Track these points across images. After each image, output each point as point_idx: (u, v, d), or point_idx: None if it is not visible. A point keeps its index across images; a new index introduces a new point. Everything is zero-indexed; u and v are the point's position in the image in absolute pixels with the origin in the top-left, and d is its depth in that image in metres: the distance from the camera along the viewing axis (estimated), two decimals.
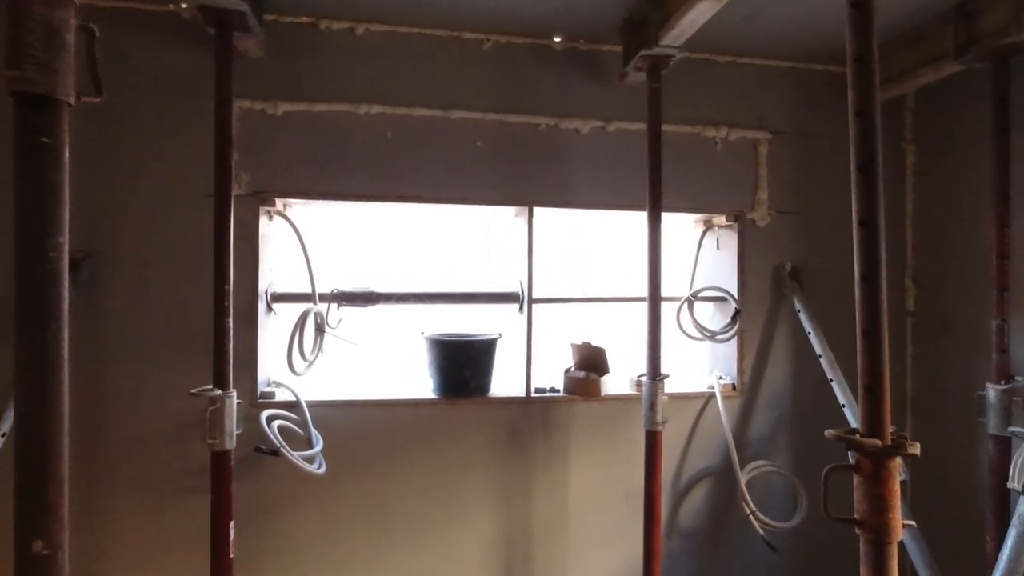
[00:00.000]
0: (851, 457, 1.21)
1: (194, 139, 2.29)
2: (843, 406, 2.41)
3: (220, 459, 1.89)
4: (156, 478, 2.29)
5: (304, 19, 2.41)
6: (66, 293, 1.00)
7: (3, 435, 1.87)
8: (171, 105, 2.30)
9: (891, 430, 1.19)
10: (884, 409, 1.16)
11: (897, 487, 1.15)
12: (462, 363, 2.53)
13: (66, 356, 1.00)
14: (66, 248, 1.00)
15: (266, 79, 2.38)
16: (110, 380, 2.27)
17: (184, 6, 2.23)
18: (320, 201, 2.49)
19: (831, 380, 2.48)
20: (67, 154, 1.00)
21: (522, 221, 2.65)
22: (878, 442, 1.13)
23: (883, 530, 1.14)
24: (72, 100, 1.00)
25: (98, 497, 2.26)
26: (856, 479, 1.18)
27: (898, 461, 1.14)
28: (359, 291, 2.54)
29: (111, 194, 2.28)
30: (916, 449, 1.13)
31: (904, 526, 1.16)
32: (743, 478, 2.57)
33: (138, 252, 2.29)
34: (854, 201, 1.21)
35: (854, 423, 2.29)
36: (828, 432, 1.20)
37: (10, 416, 1.90)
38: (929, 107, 2.80)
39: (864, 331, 1.18)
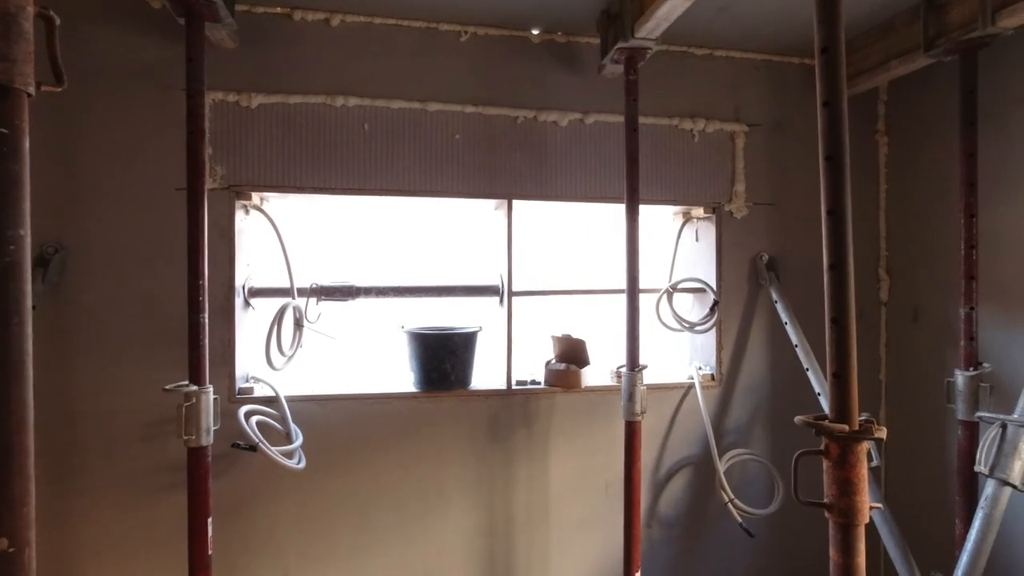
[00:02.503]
0: (822, 442, 1.23)
1: (166, 132, 2.25)
2: (819, 394, 2.45)
3: (197, 455, 1.87)
4: (131, 475, 2.26)
5: (278, 9, 2.38)
6: (28, 287, 0.98)
7: None
8: (142, 97, 2.26)
9: (861, 416, 1.21)
10: (851, 395, 1.19)
11: (864, 471, 1.18)
12: (442, 356, 2.52)
13: (30, 351, 0.98)
14: (27, 241, 0.98)
15: (240, 71, 2.34)
16: (82, 376, 2.23)
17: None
18: (296, 194, 2.46)
19: (807, 369, 2.53)
20: (27, 144, 0.97)
21: (501, 214, 2.65)
22: (845, 427, 1.15)
23: (850, 512, 1.16)
24: (31, 90, 0.97)
25: (71, 495, 2.23)
26: (825, 463, 1.20)
27: (865, 445, 1.17)
28: (338, 285, 2.53)
29: (81, 188, 2.23)
30: (882, 433, 1.16)
31: (871, 508, 1.19)
32: (721, 466, 2.61)
33: (110, 247, 2.25)
34: (823, 191, 1.23)
35: (827, 410, 2.34)
36: (798, 418, 1.23)
37: None
38: (901, 99, 2.85)
39: (832, 319, 1.21)
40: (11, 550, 0.94)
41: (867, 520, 1.19)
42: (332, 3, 2.37)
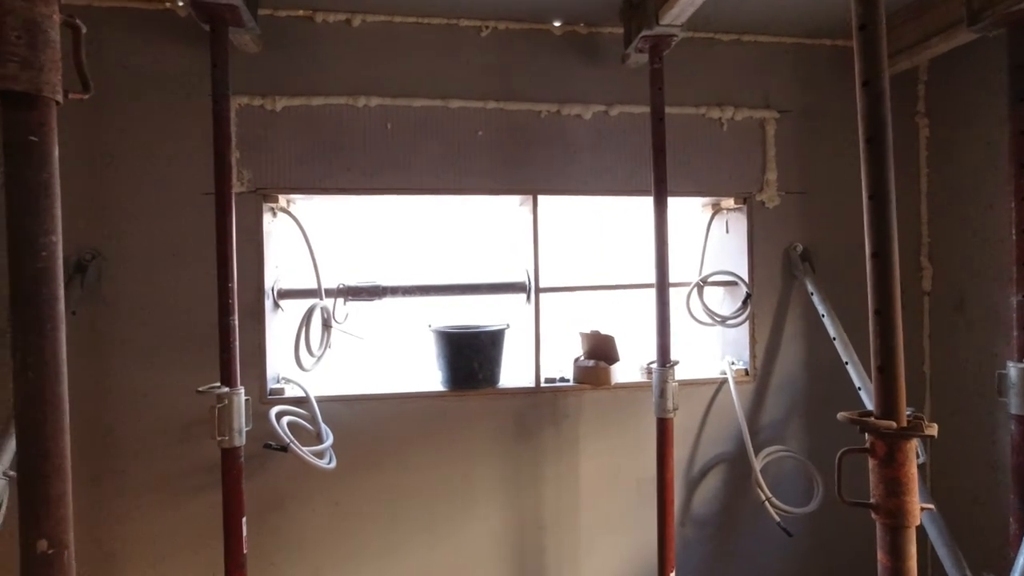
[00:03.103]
0: (867, 439, 1.17)
1: (193, 137, 2.29)
2: (859, 389, 2.36)
3: (230, 456, 1.90)
4: (166, 476, 2.31)
5: (300, 12, 2.39)
6: (61, 292, 0.99)
7: None
8: (169, 104, 2.30)
9: (907, 412, 1.15)
10: (898, 390, 1.13)
11: (914, 469, 1.12)
12: (470, 355, 2.51)
13: (64, 355, 1.00)
14: (59, 247, 0.99)
15: (264, 74, 2.36)
16: (118, 380, 2.28)
17: (180, 4, 2.22)
18: (322, 196, 2.48)
19: (846, 363, 2.43)
20: (56, 152, 0.98)
21: (527, 210, 2.62)
22: (893, 424, 1.09)
23: (899, 513, 1.10)
24: (59, 97, 0.98)
25: (108, 497, 2.28)
26: (871, 462, 1.14)
27: (914, 443, 1.11)
28: (365, 285, 2.53)
29: (116, 194, 2.29)
30: (933, 430, 1.10)
31: (922, 509, 1.12)
32: (757, 464, 2.54)
33: (142, 252, 2.29)
34: (863, 175, 1.17)
35: (870, 406, 2.25)
36: (841, 415, 1.17)
37: None
38: (942, 78, 2.72)
39: (876, 310, 1.14)
40: (50, 551, 0.95)
41: (918, 522, 1.12)
42: (353, 4, 2.38)
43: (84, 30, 1.07)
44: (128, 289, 2.28)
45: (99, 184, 2.27)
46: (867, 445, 1.15)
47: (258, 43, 2.25)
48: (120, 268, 2.28)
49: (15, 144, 0.95)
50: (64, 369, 1.00)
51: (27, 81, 0.92)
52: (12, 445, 1.87)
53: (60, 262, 1.00)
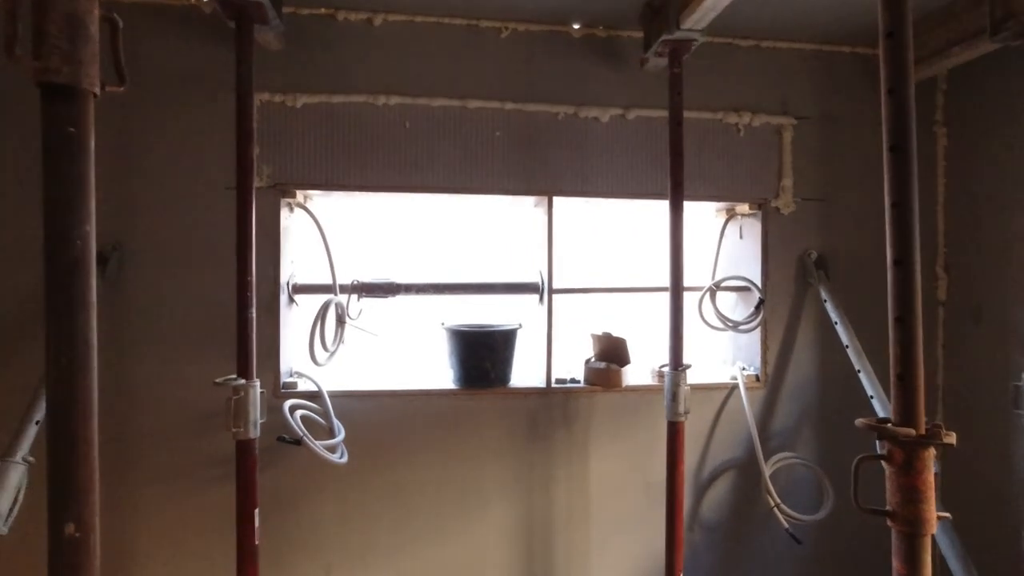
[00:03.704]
0: (877, 447, 1.18)
1: (216, 132, 2.31)
2: (871, 397, 2.35)
3: (244, 447, 1.92)
4: (182, 466, 2.33)
5: (322, 10, 2.41)
6: (94, 281, 1.01)
7: (37, 422, 1.92)
8: (193, 99, 2.33)
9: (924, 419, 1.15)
10: (918, 398, 1.13)
11: (931, 477, 1.12)
12: (482, 354, 2.52)
13: (95, 343, 1.02)
14: (93, 236, 1.01)
15: (285, 72, 2.39)
16: (137, 370, 2.31)
17: (205, 0, 2.25)
18: (339, 192, 2.50)
19: (859, 371, 2.43)
20: (93, 143, 1.01)
21: (542, 211, 2.63)
22: (912, 431, 1.09)
23: (916, 522, 1.10)
24: (97, 90, 1.01)
25: (126, 485, 2.31)
26: (888, 470, 1.14)
27: (932, 451, 1.11)
28: (379, 282, 2.55)
29: (136, 188, 2.32)
30: (952, 439, 1.10)
31: (939, 518, 1.12)
32: (767, 470, 2.53)
33: (163, 245, 2.32)
34: (887, 183, 1.17)
35: (882, 415, 2.24)
36: (859, 421, 1.17)
37: (43, 405, 1.94)
38: (961, 88, 2.70)
39: (897, 318, 1.15)
40: (78, 535, 0.97)
41: (934, 530, 1.12)
42: (374, 3, 2.40)
43: (121, 24, 1.09)
44: (148, 281, 2.31)
45: (122, 177, 2.31)
46: (884, 452, 1.16)
47: (280, 41, 2.27)
48: (141, 260, 2.31)
49: (54, 135, 0.97)
50: (95, 356, 1.02)
51: (68, 74, 0.95)
52: (31, 432, 1.90)
53: (93, 252, 1.02)
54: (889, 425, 1.14)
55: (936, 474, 2.16)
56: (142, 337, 2.32)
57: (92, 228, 1.01)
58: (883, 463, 1.16)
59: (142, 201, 2.32)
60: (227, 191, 2.17)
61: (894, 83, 1.16)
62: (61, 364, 0.97)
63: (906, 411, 1.13)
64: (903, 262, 1.14)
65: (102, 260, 2.24)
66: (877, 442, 1.18)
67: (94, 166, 1.02)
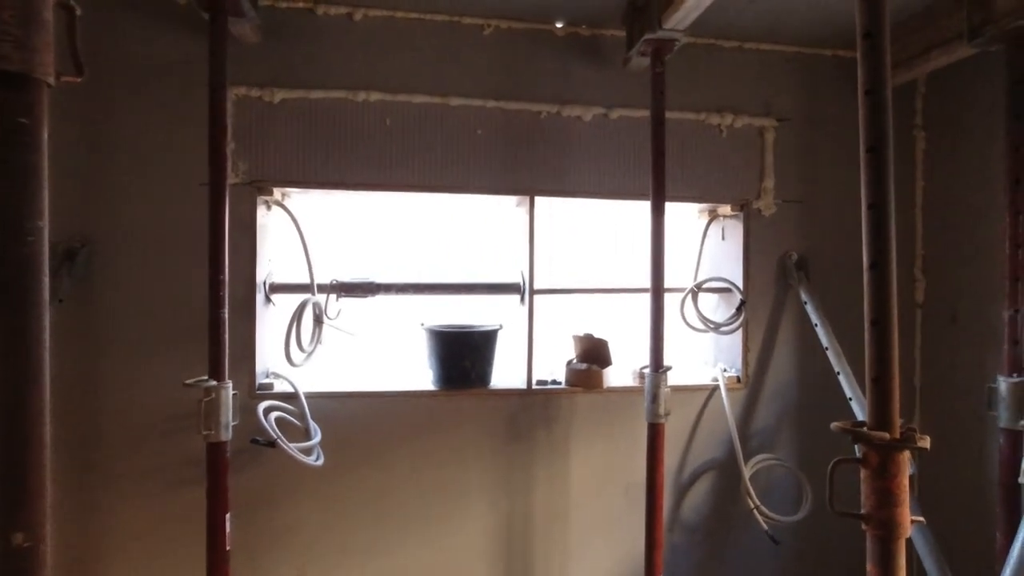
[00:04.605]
0: (858, 450, 1.17)
1: (190, 127, 2.25)
2: (850, 399, 2.36)
3: (215, 450, 1.87)
4: (154, 469, 2.27)
5: (301, 4, 2.37)
6: (46, 280, 0.97)
7: None
8: (168, 93, 2.27)
9: (900, 423, 1.15)
10: (892, 401, 1.12)
11: (906, 481, 1.11)
12: (462, 354, 2.50)
13: (47, 343, 0.97)
14: (46, 232, 0.97)
15: (263, 66, 2.34)
16: (108, 370, 2.25)
17: None
18: (318, 190, 2.46)
19: (838, 373, 2.44)
20: (45, 135, 0.96)
21: (523, 210, 2.60)
22: (886, 435, 1.09)
23: (890, 525, 1.10)
24: (51, 79, 0.96)
25: (95, 488, 2.25)
26: (863, 473, 1.14)
27: (907, 455, 1.10)
28: (358, 282, 2.51)
29: (108, 183, 2.25)
30: (926, 443, 1.09)
31: (913, 522, 1.12)
32: (747, 471, 2.53)
33: (135, 242, 2.26)
34: (863, 184, 1.17)
35: (861, 417, 2.25)
36: (834, 425, 1.16)
37: None
38: (940, 92, 2.73)
39: (872, 321, 1.14)
40: (26, 544, 0.93)
41: (908, 534, 1.12)
42: None
43: (79, 12, 1.04)
44: (119, 279, 2.25)
45: (94, 172, 2.24)
46: (859, 456, 1.15)
47: (257, 33, 2.23)
48: (112, 257, 2.25)
49: (4, 126, 0.92)
50: (46, 357, 0.97)
51: (20, 61, 0.90)
52: None
53: (46, 248, 0.97)
54: (864, 429, 1.13)
55: (912, 475, 2.16)
56: (113, 336, 2.25)
57: (45, 224, 0.97)
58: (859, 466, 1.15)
59: (114, 196, 2.26)
60: (202, 187, 2.10)
61: (872, 84, 1.15)
62: (9, 364, 0.92)
63: (881, 414, 1.13)
64: (879, 265, 1.14)
65: (70, 256, 2.18)
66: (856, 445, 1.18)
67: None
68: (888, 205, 1.14)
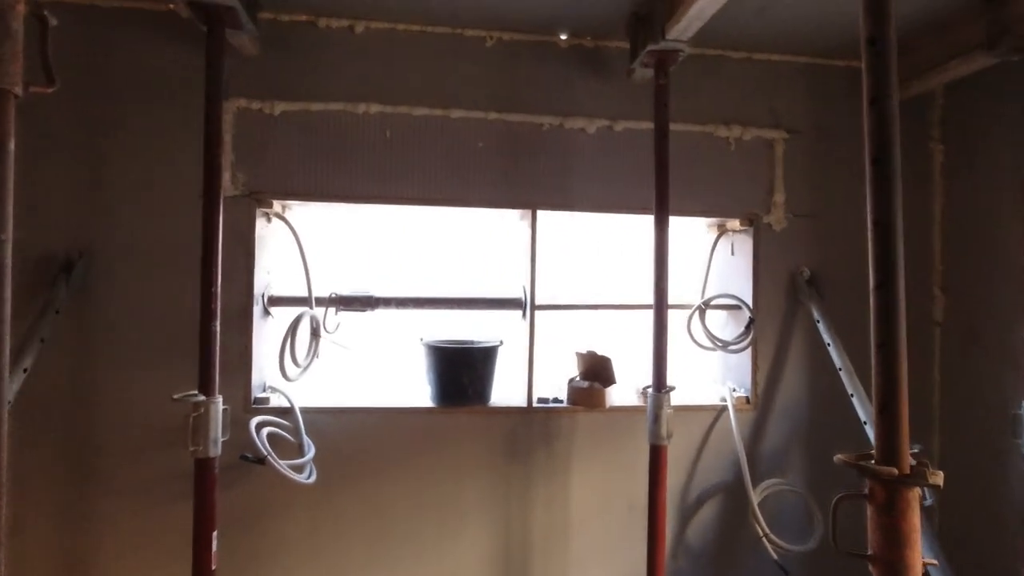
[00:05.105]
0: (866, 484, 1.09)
1: (191, 139, 2.22)
2: (864, 423, 2.26)
3: (204, 467, 1.83)
4: (150, 481, 2.24)
5: (303, 17, 2.36)
6: (8, 293, 0.94)
7: None
8: (169, 105, 2.27)
9: (913, 449, 1.07)
10: (901, 432, 1.04)
11: (916, 519, 1.03)
12: (461, 370, 2.44)
13: (7, 355, 0.94)
14: (9, 245, 0.94)
15: (263, 78, 2.33)
16: (105, 381, 2.23)
17: (175, 6, 2.20)
18: (317, 203, 2.44)
19: (851, 395, 2.33)
20: (12, 146, 0.94)
21: (525, 224, 2.56)
22: (894, 470, 1.01)
23: (899, 569, 1.01)
24: (18, 90, 0.94)
25: (93, 498, 2.23)
26: (869, 509, 1.06)
27: (917, 491, 1.02)
28: (357, 295, 2.48)
29: (108, 194, 2.25)
30: (938, 479, 1.01)
31: (925, 565, 1.03)
32: (756, 497, 2.43)
33: (134, 253, 2.25)
34: (868, 199, 1.10)
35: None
36: (838, 457, 1.08)
37: None
38: (958, 104, 2.64)
39: (879, 344, 1.06)
40: None
41: None
42: (357, 10, 2.35)
43: (53, 23, 1.03)
44: (117, 290, 2.24)
45: (94, 183, 2.24)
46: (865, 491, 1.07)
47: (256, 45, 2.22)
48: (111, 268, 2.24)
49: None
50: (7, 368, 0.94)
51: None
52: None
53: (9, 262, 0.95)
54: (871, 462, 1.05)
55: (930, 506, 2.04)
56: (110, 347, 2.24)
57: (8, 237, 0.94)
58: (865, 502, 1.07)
59: (114, 208, 2.26)
60: (201, 199, 2.09)
61: (877, 92, 1.09)
62: None
63: (889, 447, 1.05)
64: (885, 284, 1.06)
65: (68, 267, 2.17)
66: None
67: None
68: (895, 221, 1.07)
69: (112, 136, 2.25)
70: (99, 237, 2.24)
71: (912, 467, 1.03)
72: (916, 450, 1.10)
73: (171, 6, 2.21)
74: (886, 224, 1.06)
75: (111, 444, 2.24)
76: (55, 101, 2.22)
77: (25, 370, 1.97)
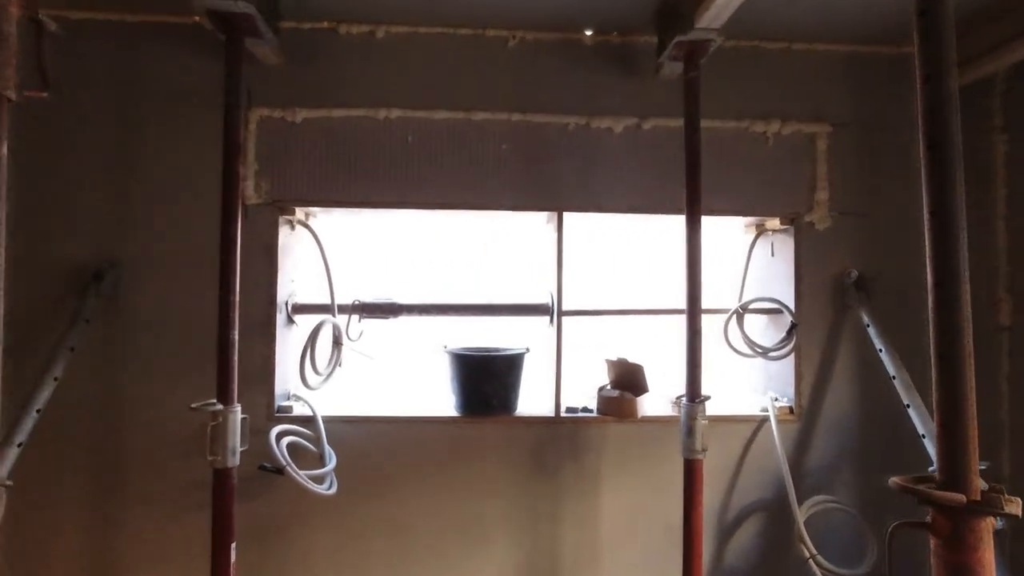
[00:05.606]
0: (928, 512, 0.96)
1: (216, 149, 2.24)
2: (923, 436, 2.07)
3: (222, 477, 1.81)
4: (171, 491, 2.25)
5: (324, 24, 2.35)
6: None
7: (20, 445, 1.87)
8: (194, 116, 2.29)
9: (980, 467, 0.93)
10: (968, 452, 0.91)
11: (990, 555, 0.89)
12: (485, 379, 2.37)
13: None
14: (1, 249, 0.92)
15: (286, 87, 2.33)
16: (133, 390, 2.26)
17: (200, 18, 2.22)
18: (339, 209, 2.42)
19: (907, 405, 2.14)
20: (5, 149, 0.92)
21: (551, 228, 2.47)
22: (962, 497, 0.87)
23: None
24: (12, 94, 0.92)
25: (121, 506, 2.25)
26: (932, 542, 0.92)
27: (990, 522, 0.88)
28: (380, 302, 2.44)
29: (137, 205, 2.29)
30: (1016, 507, 0.87)
31: None
32: (801, 515, 2.26)
33: (162, 263, 2.28)
34: (924, 188, 0.97)
35: (936, 457, 1.96)
36: (893, 480, 0.95)
37: (27, 426, 1.90)
38: (1022, 88, 2.42)
39: (940, 353, 0.93)
40: None
41: None
42: (378, 15, 2.33)
43: (52, 27, 1.01)
44: (145, 300, 2.27)
45: (123, 194, 2.28)
46: (927, 519, 0.94)
47: (278, 54, 2.22)
48: (138, 278, 2.27)
49: None
50: None
51: None
52: (12, 454, 1.85)
53: (1, 265, 0.92)
54: (932, 486, 0.92)
55: (1002, 530, 1.84)
56: (138, 356, 2.26)
57: (2, 243, 0.92)
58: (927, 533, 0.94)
59: (142, 218, 2.29)
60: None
61: (931, 69, 0.96)
62: None
63: (953, 468, 0.91)
64: (945, 283, 0.93)
65: (98, 277, 2.21)
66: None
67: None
68: (955, 211, 0.94)
69: (141, 147, 2.29)
70: (128, 247, 2.27)
71: (983, 492, 0.90)
72: (982, 467, 0.96)
73: (196, 19, 2.25)
74: (945, 215, 0.93)
75: (137, 453, 2.26)
76: (85, 114, 2.31)
77: (56, 379, 2.00)
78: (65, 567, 2.24)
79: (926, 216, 0.97)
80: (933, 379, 0.95)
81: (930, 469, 1.94)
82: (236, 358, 1.86)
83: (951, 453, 0.92)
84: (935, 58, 0.97)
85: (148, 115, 2.29)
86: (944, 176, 0.95)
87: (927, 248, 0.97)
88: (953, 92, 0.97)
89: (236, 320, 1.86)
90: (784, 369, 2.51)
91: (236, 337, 1.85)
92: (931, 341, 0.95)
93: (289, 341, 2.43)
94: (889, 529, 0.95)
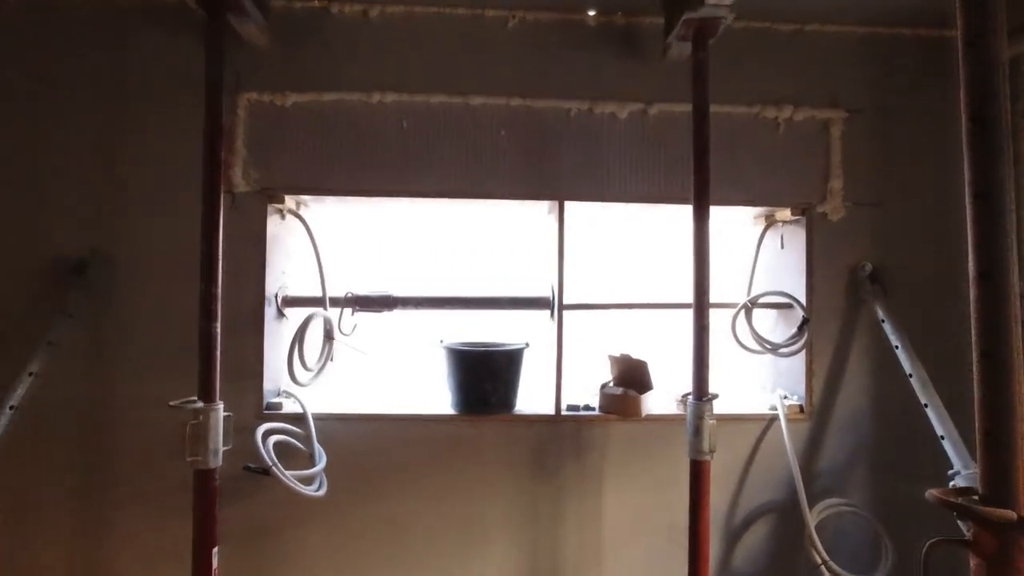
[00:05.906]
0: (963, 527, 0.86)
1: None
2: (941, 438, 1.97)
3: (203, 478, 1.72)
4: (163, 490, 2.16)
5: (315, 3, 2.25)
6: None
7: None
8: (182, 102, 2.17)
9: None
10: (1016, 463, 0.81)
11: None
12: (483, 376, 2.28)
13: None
14: None
15: (275, 69, 2.23)
16: (119, 387, 2.16)
17: None
18: (332, 198, 2.32)
19: (925, 405, 2.05)
20: None
21: (552, 218, 2.38)
22: (1012, 514, 0.77)
23: None
24: None
25: (107, 507, 2.17)
26: (973, 561, 0.83)
27: None
28: (375, 295, 2.35)
29: (120, 193, 2.19)
30: None
31: None
32: (812, 518, 2.17)
33: (149, 255, 2.18)
34: (967, 168, 0.87)
35: (955, 460, 1.86)
36: (931, 494, 0.86)
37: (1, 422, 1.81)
38: None
39: (984, 352, 0.83)
40: None
41: None
42: None
43: None
44: (132, 293, 2.17)
45: (108, 183, 2.18)
46: (968, 536, 0.84)
47: (265, 34, 2.12)
48: (124, 271, 2.17)
49: None
50: None
51: None
52: None
53: None
54: (975, 501, 0.82)
55: None
56: (124, 352, 2.17)
57: None
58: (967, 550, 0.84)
59: (127, 207, 2.19)
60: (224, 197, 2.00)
61: (974, 31, 0.85)
62: None
63: (998, 481, 0.81)
64: (992, 274, 0.83)
65: (82, 267, 2.11)
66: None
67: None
68: (1002, 192, 0.84)
69: (121, 134, 2.19)
70: (113, 238, 2.18)
71: None
72: None
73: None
74: (992, 197, 0.83)
75: (126, 451, 2.17)
76: (69, 99, 2.21)
77: (31, 374, 1.91)
78: (53, 568, 2.16)
79: (968, 199, 0.87)
80: (976, 380, 0.84)
81: (949, 472, 1.85)
82: (218, 353, 1.76)
83: (996, 463, 0.82)
84: (980, 18, 0.86)
85: (134, 101, 2.18)
86: (990, 152, 0.84)
87: (970, 235, 0.86)
88: (999, 57, 0.87)
89: (218, 312, 1.77)
90: (794, 366, 2.41)
91: (218, 330, 1.76)
92: (973, 339, 0.85)
93: (279, 335, 2.33)
94: (925, 548, 0.85)
